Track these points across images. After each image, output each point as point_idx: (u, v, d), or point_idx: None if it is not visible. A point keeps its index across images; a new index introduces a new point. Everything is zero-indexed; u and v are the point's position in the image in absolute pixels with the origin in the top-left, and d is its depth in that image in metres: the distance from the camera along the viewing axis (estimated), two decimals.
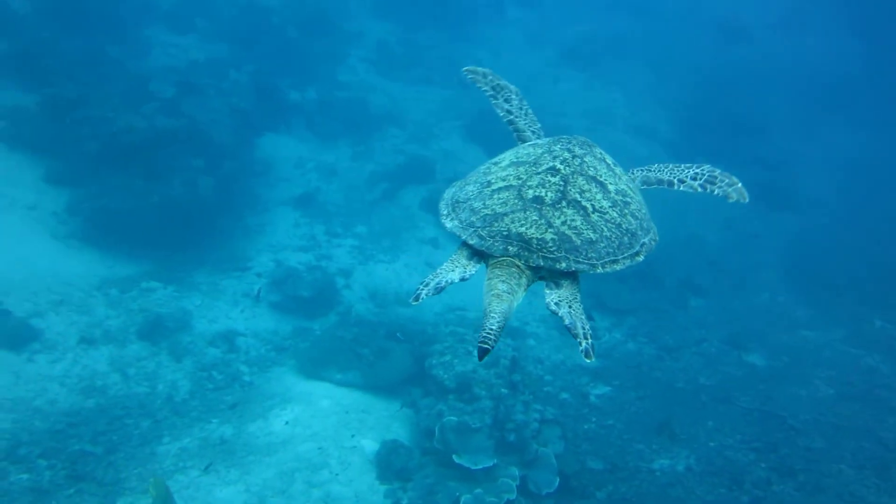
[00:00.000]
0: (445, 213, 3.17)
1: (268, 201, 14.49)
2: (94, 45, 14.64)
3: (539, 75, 23.45)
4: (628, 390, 11.00)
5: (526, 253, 2.82)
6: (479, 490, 8.00)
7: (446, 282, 2.91)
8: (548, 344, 12.15)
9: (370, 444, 9.04)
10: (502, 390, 9.03)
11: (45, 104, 12.27)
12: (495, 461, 8.35)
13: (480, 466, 8.25)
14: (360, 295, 12.52)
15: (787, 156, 19.12)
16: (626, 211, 3.07)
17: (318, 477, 8.51)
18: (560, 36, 25.80)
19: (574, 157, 3.12)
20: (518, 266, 2.84)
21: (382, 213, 14.98)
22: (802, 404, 10.80)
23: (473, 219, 2.99)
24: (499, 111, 3.94)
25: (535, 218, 2.88)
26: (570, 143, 3.24)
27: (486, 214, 2.96)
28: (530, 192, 2.97)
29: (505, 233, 2.87)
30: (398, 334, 10.65)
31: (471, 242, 2.94)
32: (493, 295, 2.75)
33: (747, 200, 3.53)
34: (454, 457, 8.32)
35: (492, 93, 4.01)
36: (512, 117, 3.89)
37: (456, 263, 2.99)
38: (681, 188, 3.63)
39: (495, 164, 3.31)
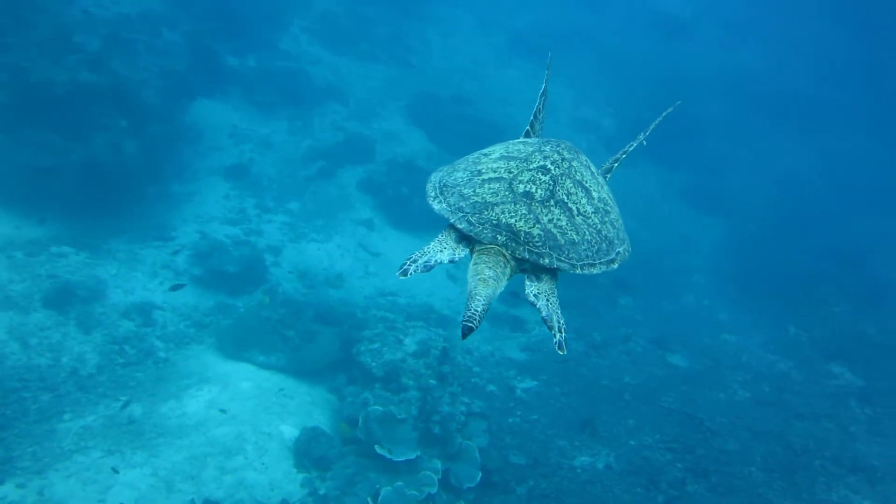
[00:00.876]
0: (433, 195, 3.21)
1: (197, 170, 13.81)
2: None
3: (487, 61, 23.30)
4: (554, 385, 11.03)
5: (513, 244, 2.90)
6: (400, 483, 7.81)
7: (436, 261, 2.96)
8: (477, 335, 12.06)
9: (290, 431, 8.72)
10: (431, 381, 8.87)
11: None
12: (418, 453, 8.18)
13: (403, 458, 8.07)
14: (290, 274, 12.09)
15: (722, 160, 19.62)
16: (607, 219, 3.18)
17: (232, 462, 8.15)
18: (510, 22, 25.69)
19: (563, 160, 3.19)
20: (504, 255, 2.91)
21: (317, 191, 14.52)
22: (719, 407, 11.08)
23: (462, 204, 3.05)
24: (538, 104, 4.09)
25: (524, 212, 2.95)
26: (559, 146, 3.30)
27: (476, 202, 3.03)
28: (521, 186, 3.04)
29: (494, 222, 2.94)
30: (328, 317, 10.32)
31: (459, 227, 2.99)
32: (479, 279, 2.81)
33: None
34: (377, 447, 8.11)
35: (543, 88, 4.18)
36: (539, 115, 4.04)
37: (444, 245, 3.03)
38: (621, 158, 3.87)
39: (485, 155, 3.37)
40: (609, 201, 3.32)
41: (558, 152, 3.23)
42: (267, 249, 12.39)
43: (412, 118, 18.31)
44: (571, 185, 3.11)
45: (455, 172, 3.31)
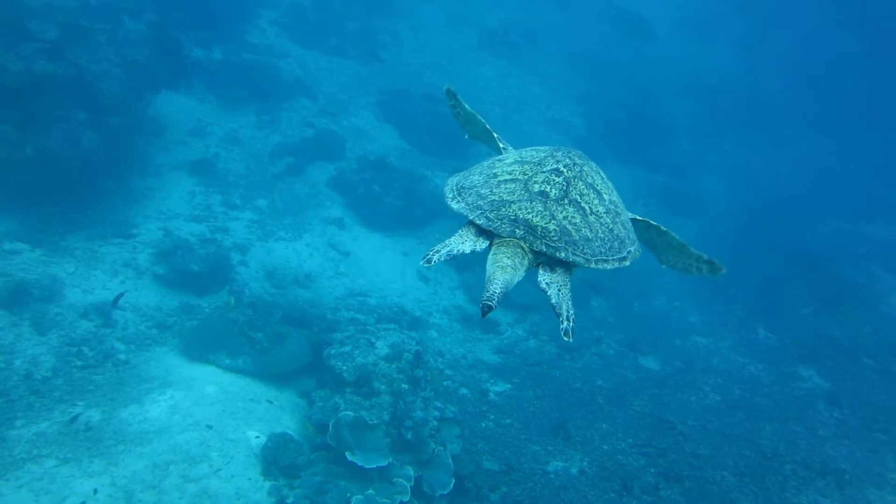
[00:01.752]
0: (451, 196, 3.41)
1: (160, 165, 13.33)
2: None
3: (458, 57, 23.11)
4: (527, 389, 10.90)
5: (531, 237, 3.08)
6: (371, 491, 7.58)
7: (458, 251, 3.14)
8: (449, 337, 11.87)
9: (257, 437, 8.41)
10: (403, 385, 8.64)
11: None
12: (390, 460, 7.95)
13: (374, 465, 7.82)
14: (257, 273, 11.73)
15: (691, 161, 19.74)
16: (618, 220, 3.35)
17: (196, 471, 7.81)
18: (481, 18, 25.53)
19: (574, 164, 3.37)
20: (522, 248, 3.09)
21: (286, 188, 14.16)
22: (691, 410, 11.08)
23: (481, 203, 3.25)
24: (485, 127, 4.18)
25: (540, 209, 3.14)
26: (570, 153, 3.46)
27: (494, 200, 3.23)
28: (536, 186, 3.23)
29: (512, 217, 3.13)
30: (297, 318, 10.01)
31: (478, 222, 3.19)
32: (498, 266, 3.00)
33: None
34: (347, 454, 7.86)
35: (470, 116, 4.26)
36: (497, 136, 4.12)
37: (464, 238, 3.21)
38: None
39: (499, 160, 3.55)
40: (619, 204, 3.49)
41: (570, 157, 3.41)
42: (234, 248, 12.01)
43: (383, 115, 18.02)
44: (584, 186, 3.29)
45: (471, 176, 3.50)
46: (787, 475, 9.77)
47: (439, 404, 8.94)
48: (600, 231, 3.21)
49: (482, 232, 3.23)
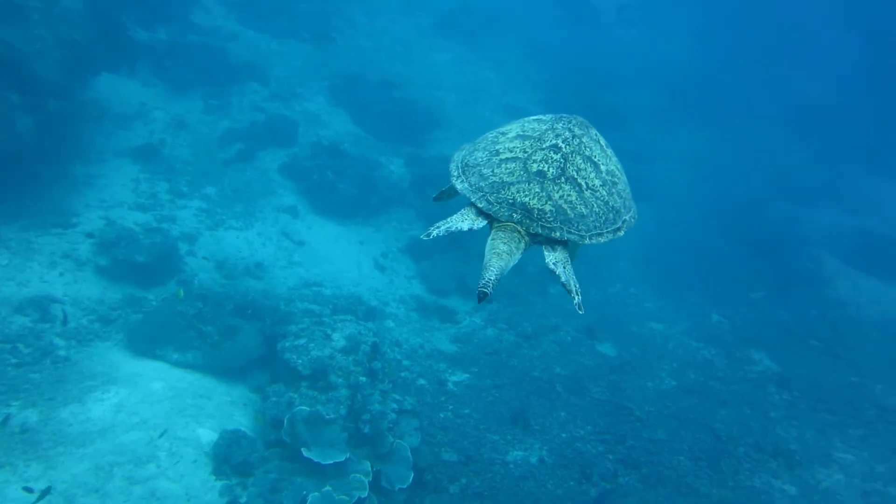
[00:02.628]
0: (456, 174, 3.52)
1: (102, 151, 12.74)
2: None
3: (413, 42, 22.76)
4: (486, 378, 10.80)
5: (528, 221, 3.20)
6: (328, 487, 7.38)
7: (457, 228, 3.29)
8: (406, 327, 11.69)
9: (207, 434, 8.09)
10: (361, 378, 8.43)
11: None
12: (348, 455, 7.74)
13: (331, 461, 7.61)
14: (206, 263, 11.32)
15: (646, 148, 19.86)
16: (614, 190, 3.45)
17: (143, 472, 7.47)
18: (436, 3, 25.18)
19: (574, 136, 3.44)
20: (519, 231, 3.22)
21: (236, 175, 13.70)
22: (648, 396, 11.15)
23: (482, 184, 3.36)
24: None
25: (537, 190, 3.24)
26: (570, 122, 3.53)
27: (494, 182, 3.33)
28: (534, 165, 3.31)
29: (510, 201, 3.24)
30: (249, 311, 9.69)
31: (479, 206, 3.31)
32: (494, 253, 3.13)
33: None
34: (303, 450, 7.62)
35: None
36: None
37: (465, 217, 3.34)
38: None
39: (503, 133, 3.62)
40: (617, 172, 3.58)
41: (570, 129, 3.47)
42: (181, 237, 11.56)
43: (336, 100, 17.62)
44: (581, 160, 3.37)
45: (476, 152, 3.58)
46: (741, 458, 9.91)
47: (397, 396, 8.76)
48: (595, 206, 3.32)
49: (482, 212, 3.35)
